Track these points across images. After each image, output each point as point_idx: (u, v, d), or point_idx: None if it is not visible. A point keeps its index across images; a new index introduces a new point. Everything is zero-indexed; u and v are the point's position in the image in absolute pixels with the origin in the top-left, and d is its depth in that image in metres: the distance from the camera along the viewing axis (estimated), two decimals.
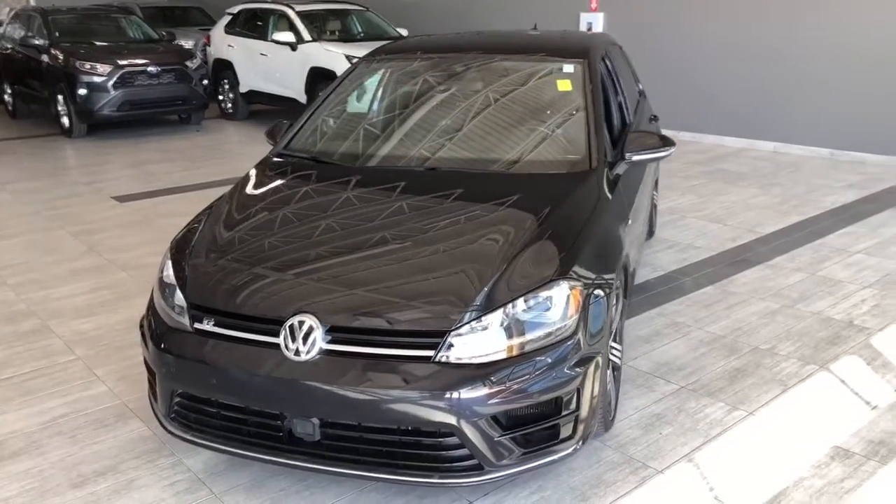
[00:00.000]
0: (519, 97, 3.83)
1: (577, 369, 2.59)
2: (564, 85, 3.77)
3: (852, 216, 6.11)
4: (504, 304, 2.55)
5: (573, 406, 2.61)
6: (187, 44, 12.69)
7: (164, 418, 2.86)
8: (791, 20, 8.31)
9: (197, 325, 2.72)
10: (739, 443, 3.05)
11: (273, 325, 2.59)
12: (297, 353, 2.53)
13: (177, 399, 2.78)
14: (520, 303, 2.57)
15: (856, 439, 3.06)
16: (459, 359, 2.48)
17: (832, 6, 7.96)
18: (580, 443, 2.67)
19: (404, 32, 10.88)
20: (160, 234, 5.93)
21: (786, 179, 7.39)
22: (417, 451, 2.54)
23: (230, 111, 11.54)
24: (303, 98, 10.05)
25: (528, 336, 2.54)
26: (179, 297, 2.83)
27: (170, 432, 2.84)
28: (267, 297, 2.68)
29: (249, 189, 3.48)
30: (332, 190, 3.34)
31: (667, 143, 3.58)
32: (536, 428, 2.56)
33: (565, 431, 2.62)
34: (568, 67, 3.86)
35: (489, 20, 11.31)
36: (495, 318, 2.53)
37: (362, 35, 10.65)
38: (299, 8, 10.46)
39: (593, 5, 10.03)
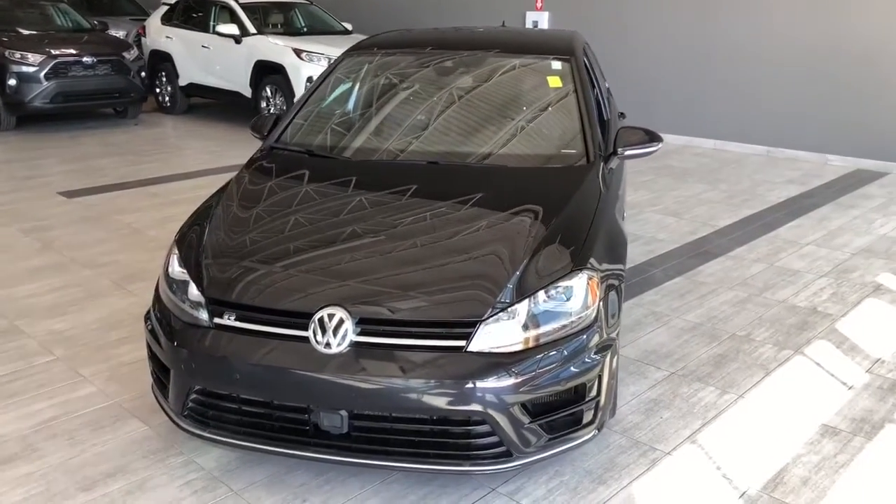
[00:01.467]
0: (512, 93, 3.91)
1: (598, 356, 2.68)
2: (555, 81, 3.87)
3: (797, 210, 6.45)
4: (530, 295, 2.62)
5: (594, 392, 2.70)
6: (118, 34, 12.25)
7: (177, 416, 2.80)
8: (729, 24, 8.67)
9: (217, 321, 2.68)
10: (736, 424, 3.21)
11: (301, 318, 2.58)
12: (327, 345, 2.53)
13: (193, 396, 2.73)
14: (543, 293, 2.64)
15: (840, 417, 3.26)
16: (490, 348, 2.54)
17: (766, 13, 8.36)
18: (599, 428, 2.77)
19: (349, 27, 10.81)
20: (119, 231, 5.75)
21: (730, 175, 7.72)
22: (447, 439, 2.58)
23: (168, 105, 11.20)
24: (247, 92, 9.87)
25: (552, 325, 2.61)
26: (194, 292, 2.78)
27: (184, 430, 2.79)
28: (292, 291, 2.67)
29: (255, 183, 3.43)
30: (341, 184, 3.34)
31: (654, 138, 3.71)
32: (562, 414, 2.64)
33: (587, 417, 2.71)
34: (556, 64, 3.96)
35: (434, 16, 11.36)
36: (522, 308, 2.59)
37: (306, 29, 10.53)
38: (243, 0, 10.24)
39: (539, 4, 10.20)
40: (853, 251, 5.40)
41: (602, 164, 3.49)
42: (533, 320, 2.60)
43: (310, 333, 2.55)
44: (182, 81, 10.84)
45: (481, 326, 2.54)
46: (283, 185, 3.38)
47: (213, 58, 10.26)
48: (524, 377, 2.52)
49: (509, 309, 2.58)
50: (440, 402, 2.50)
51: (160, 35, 11.06)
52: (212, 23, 10.36)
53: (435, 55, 4.11)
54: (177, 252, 2.99)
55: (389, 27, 11.32)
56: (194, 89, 10.81)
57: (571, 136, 3.60)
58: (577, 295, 2.68)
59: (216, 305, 2.71)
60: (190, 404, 2.75)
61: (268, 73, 9.56)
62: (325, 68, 8.92)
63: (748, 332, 4.09)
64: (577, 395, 2.67)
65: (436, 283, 2.65)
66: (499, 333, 2.55)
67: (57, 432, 3.13)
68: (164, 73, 11.10)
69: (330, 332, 2.53)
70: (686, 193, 6.99)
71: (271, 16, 10.55)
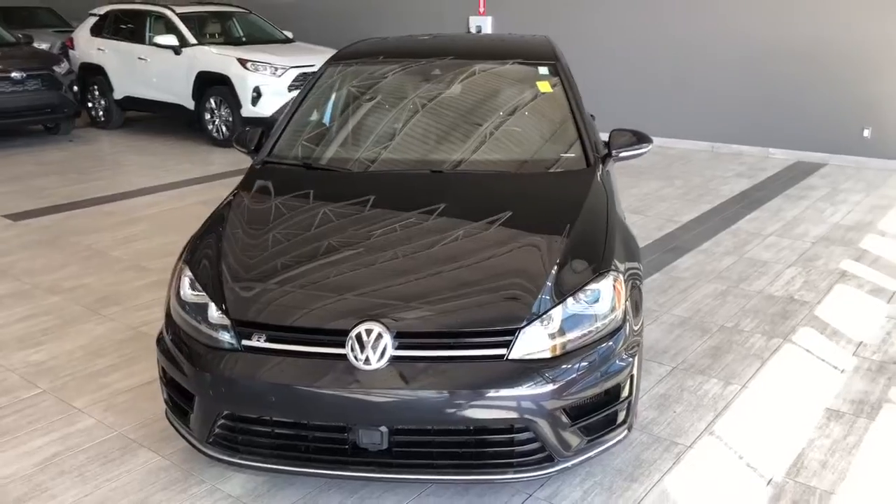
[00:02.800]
0: (506, 99, 3.93)
1: (628, 356, 2.72)
2: (545, 86, 3.91)
3: (751, 203, 6.70)
4: (562, 300, 2.64)
5: (626, 392, 2.74)
6: (42, 47, 11.73)
7: (201, 443, 2.71)
8: (673, 25, 8.94)
9: (245, 343, 2.60)
10: (746, 413, 3.31)
11: (337, 335, 2.53)
12: (366, 361, 2.49)
13: (220, 421, 2.64)
14: (573, 298, 2.66)
15: (840, 400, 3.41)
16: (528, 354, 2.54)
17: (709, 14, 8.66)
18: (629, 428, 2.81)
19: (290, 35, 10.66)
20: (79, 254, 5.50)
21: (681, 171, 7.96)
22: (488, 448, 2.57)
23: (102, 119, 10.78)
24: (190, 104, 9.60)
25: (584, 328, 2.64)
26: (215, 314, 2.69)
27: (211, 457, 2.70)
28: (326, 308, 2.61)
29: (263, 201, 3.33)
30: (352, 197, 3.29)
31: (643, 139, 3.80)
32: (600, 416, 2.67)
33: (620, 417, 2.75)
34: (543, 70, 4.00)
35: (373, 24, 11.31)
36: (556, 314, 2.61)
37: (246, 38, 10.32)
38: (180, 10, 9.96)
39: (481, 9, 10.29)
40: (813, 240, 5.64)
41: (601, 166, 3.55)
42: (566, 325, 2.62)
43: (347, 350, 2.51)
44: (117, 95, 10.46)
45: (521, 333, 2.54)
46: (295, 202, 3.29)
47: (151, 70, 9.94)
48: (565, 382, 2.53)
49: (545, 315, 2.59)
50: (484, 412, 2.50)
51: (91, 47, 10.65)
52: (148, 34, 10.04)
53: (422, 63, 4.09)
54: (190, 274, 2.88)
55: (328, 36, 11.24)
56: (131, 103, 10.45)
57: (569, 141, 3.65)
58: (605, 297, 2.72)
59: (243, 327, 2.63)
60: (216, 430, 2.66)
61: (211, 85, 9.33)
62: (270, 78, 8.94)
63: (735, 323, 4.23)
64: (612, 395, 2.70)
65: (470, 293, 2.65)
66: (536, 340, 2.56)
67: (64, 469, 2.98)
68: (96, 87, 10.69)
69: (369, 348, 2.49)
70: (644, 191, 7.16)
71: (208, 25, 10.29)
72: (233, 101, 9.09)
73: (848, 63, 7.89)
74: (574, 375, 2.55)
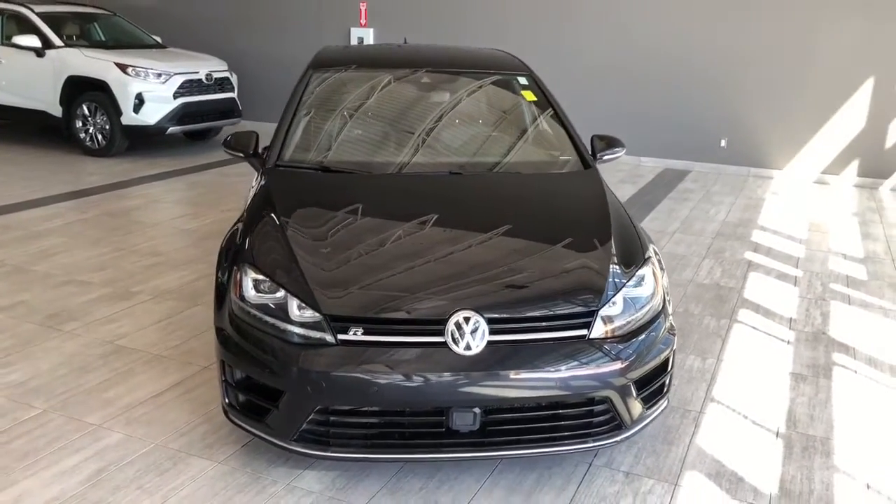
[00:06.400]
0: (499, 107, 4.19)
1: (672, 333, 3.08)
2: (529, 95, 4.21)
3: (645, 205, 7.41)
4: (623, 285, 2.94)
5: (670, 365, 3.09)
6: None
7: (286, 440, 2.72)
8: (550, 44, 9.61)
9: (342, 337, 2.66)
10: (730, 381, 3.79)
11: (435, 324, 2.66)
12: (467, 347, 2.64)
13: (312, 416, 2.68)
14: (629, 283, 2.98)
15: (799, 366, 3.99)
16: (603, 334, 2.82)
17: (578, 39, 9.41)
18: (668, 398, 3.16)
19: (159, 40, 10.20)
20: (3, 268, 5.06)
21: None
22: (570, 421, 2.81)
23: None
24: (57, 110, 8.91)
25: (640, 310, 2.96)
26: (297, 312, 2.73)
27: (299, 453, 2.74)
28: (420, 300, 2.73)
29: (307, 203, 3.35)
30: (395, 197, 3.43)
31: (616, 143, 4.22)
32: (655, 386, 2.99)
33: (666, 387, 3.10)
34: (522, 80, 4.30)
35: (258, 32, 11.09)
36: (619, 298, 2.91)
37: (112, 42, 9.73)
38: (39, 9, 9.22)
39: (363, 20, 10.44)
40: (711, 236, 6.38)
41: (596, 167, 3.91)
42: (626, 307, 2.92)
43: (447, 338, 2.65)
44: None
45: (597, 316, 2.81)
46: (343, 203, 3.35)
47: (5, 73, 9.11)
48: (635, 356, 2.83)
49: (612, 300, 2.88)
50: (571, 388, 2.74)
51: None
52: (1, 33, 9.19)
53: (410, 71, 4.25)
54: (255, 275, 2.87)
55: (199, 42, 10.87)
56: None
57: (564, 145, 3.99)
58: (648, 281, 3.06)
59: (338, 322, 2.68)
60: (305, 426, 2.69)
61: (84, 90, 8.73)
62: (155, 84, 8.54)
63: (685, 307, 4.76)
64: (661, 368, 3.03)
65: (548, 279, 2.88)
66: (608, 321, 2.84)
67: (118, 483, 2.84)
68: None
69: (468, 335, 2.65)
70: None
71: (68, 27, 9.60)
72: (112, 107, 8.58)
73: (707, 83, 8.92)
74: (641, 350, 2.86)
